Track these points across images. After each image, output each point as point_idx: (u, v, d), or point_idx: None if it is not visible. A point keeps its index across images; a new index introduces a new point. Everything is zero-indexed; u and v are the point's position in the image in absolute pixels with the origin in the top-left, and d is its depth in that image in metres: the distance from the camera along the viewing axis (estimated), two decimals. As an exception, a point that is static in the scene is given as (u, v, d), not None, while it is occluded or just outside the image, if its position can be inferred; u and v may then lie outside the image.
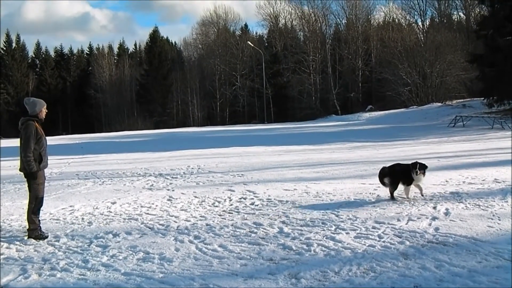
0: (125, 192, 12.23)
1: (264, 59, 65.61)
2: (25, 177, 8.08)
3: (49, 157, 8.40)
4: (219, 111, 74.68)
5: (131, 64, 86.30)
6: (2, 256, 7.10)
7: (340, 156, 18.58)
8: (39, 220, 8.16)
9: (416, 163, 9.98)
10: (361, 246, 6.97)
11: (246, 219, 8.79)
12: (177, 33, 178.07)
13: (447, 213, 8.57)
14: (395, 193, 10.01)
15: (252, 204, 10.16)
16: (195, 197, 11.15)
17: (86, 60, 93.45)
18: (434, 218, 8.26)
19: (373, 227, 7.85)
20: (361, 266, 6.16)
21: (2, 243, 7.73)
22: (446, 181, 11.85)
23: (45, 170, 8.36)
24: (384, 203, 9.61)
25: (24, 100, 8.20)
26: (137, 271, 6.31)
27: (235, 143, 26.50)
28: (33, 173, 7.90)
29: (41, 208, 8.35)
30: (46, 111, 8.28)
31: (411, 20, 69.66)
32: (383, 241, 7.12)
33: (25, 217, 8.21)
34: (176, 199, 11.01)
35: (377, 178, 10.51)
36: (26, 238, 7.96)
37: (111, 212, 9.86)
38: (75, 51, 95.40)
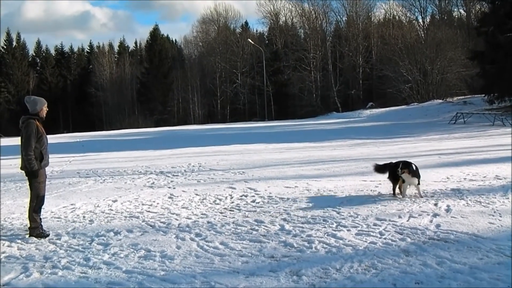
0: (126, 190, 12.23)
1: (265, 56, 65.48)
2: (26, 175, 8.08)
3: (50, 156, 8.41)
4: (220, 109, 74.60)
5: (132, 62, 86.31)
6: (3, 255, 7.10)
7: (341, 153, 18.59)
8: (40, 219, 8.16)
9: (399, 162, 9.97)
10: (362, 243, 6.97)
11: (247, 217, 8.80)
12: (178, 31, 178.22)
13: (448, 210, 8.57)
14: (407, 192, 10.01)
15: (253, 201, 10.16)
16: (196, 194, 11.15)
17: (86, 59, 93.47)
18: (435, 215, 8.26)
19: (374, 224, 7.85)
20: (363, 263, 6.16)
21: (3, 242, 7.74)
22: (447, 178, 11.84)
23: (46, 168, 8.37)
24: (385, 200, 9.61)
25: (24, 99, 8.19)
26: (138, 269, 6.31)
27: (236, 141, 26.49)
28: (34, 171, 7.90)
29: (43, 207, 8.34)
30: (47, 109, 8.27)
31: (412, 17, 69.68)
32: (384, 238, 7.12)
33: (27, 215, 8.21)
34: (177, 197, 11.02)
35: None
36: (27, 236, 7.96)
37: (112, 210, 9.87)
38: (75, 49, 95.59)
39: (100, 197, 11.26)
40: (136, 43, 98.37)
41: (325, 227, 7.83)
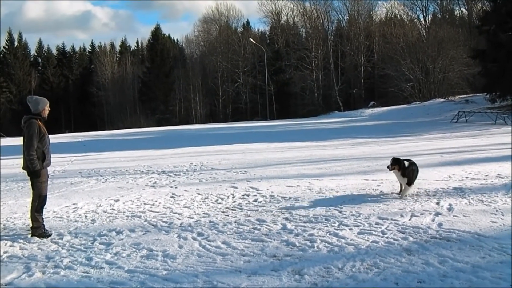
0: (128, 189, 12.24)
1: (266, 55, 65.48)
2: (29, 175, 8.08)
3: (52, 155, 8.41)
4: (222, 108, 74.62)
5: (133, 61, 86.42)
6: (6, 254, 7.11)
7: (342, 152, 18.58)
8: (42, 218, 8.16)
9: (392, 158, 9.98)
10: (364, 242, 6.97)
11: (249, 216, 8.80)
12: (179, 31, 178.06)
13: (450, 209, 8.56)
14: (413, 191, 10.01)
15: (255, 200, 10.16)
16: (198, 194, 11.15)
17: (88, 58, 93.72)
18: (437, 214, 8.26)
19: (376, 223, 7.85)
20: (365, 262, 6.16)
21: (6, 241, 7.75)
22: (449, 176, 11.83)
23: (48, 168, 8.36)
24: (387, 199, 9.61)
25: (27, 98, 8.20)
26: (140, 268, 6.32)
27: (237, 140, 26.50)
28: (36, 171, 7.90)
29: (45, 206, 8.34)
30: (49, 109, 8.27)
31: (413, 16, 69.67)
32: (387, 237, 7.12)
33: (29, 215, 8.22)
34: (179, 196, 11.02)
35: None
36: (29, 236, 7.97)
37: (114, 209, 9.87)
38: (77, 49, 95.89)
39: (102, 197, 11.27)
40: (137, 42, 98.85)
41: (327, 226, 7.83)
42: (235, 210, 9.39)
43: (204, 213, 9.18)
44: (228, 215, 8.95)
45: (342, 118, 48.64)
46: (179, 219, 8.82)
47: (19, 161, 8.29)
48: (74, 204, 10.56)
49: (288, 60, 72.28)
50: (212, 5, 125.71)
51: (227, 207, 9.64)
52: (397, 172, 9.71)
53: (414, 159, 10.34)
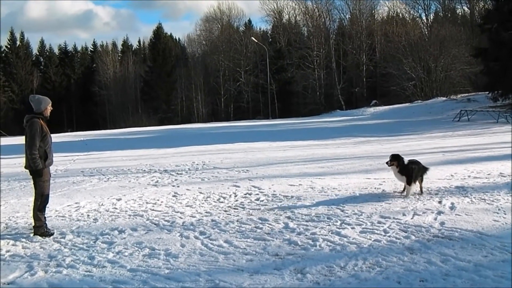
0: (130, 188, 12.25)
1: (268, 54, 65.49)
2: (31, 174, 8.09)
3: (54, 155, 8.42)
4: (224, 107, 74.61)
5: (135, 61, 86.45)
6: (8, 253, 7.12)
7: (345, 151, 18.57)
8: (44, 217, 8.17)
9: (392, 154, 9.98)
10: (366, 241, 6.97)
11: (251, 215, 8.80)
12: (181, 30, 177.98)
13: (452, 208, 8.56)
14: (415, 189, 9.99)
15: (257, 199, 10.16)
16: (200, 193, 11.16)
17: (90, 57, 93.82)
18: (439, 213, 8.25)
19: (379, 222, 7.85)
20: (367, 261, 6.16)
21: (8, 240, 7.76)
22: (451, 175, 11.82)
23: (51, 167, 8.37)
24: (389, 198, 9.60)
25: (29, 98, 8.21)
26: (143, 267, 6.33)
27: (239, 139, 26.50)
28: (38, 170, 7.91)
29: (47, 205, 8.36)
30: (51, 108, 8.28)
31: (415, 14, 69.49)
32: (389, 236, 7.12)
33: (31, 214, 8.23)
34: (181, 195, 11.03)
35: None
36: (32, 235, 7.98)
37: (116, 208, 9.88)
38: (79, 48, 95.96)
39: (104, 196, 11.28)
40: (139, 41, 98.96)
41: (329, 225, 7.83)
42: (237, 209, 9.39)
43: (206, 212, 9.18)
44: (230, 214, 8.95)
45: (344, 117, 48.62)
46: (181, 218, 8.82)
47: (21, 160, 8.30)
48: (76, 203, 10.58)
49: (290, 59, 72.22)
50: (214, 4, 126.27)
51: (229, 206, 9.65)
52: (395, 169, 9.71)
53: (416, 158, 10.35)
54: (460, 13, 69.84)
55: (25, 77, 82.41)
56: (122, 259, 6.67)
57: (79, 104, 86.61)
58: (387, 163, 9.84)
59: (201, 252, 6.84)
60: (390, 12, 73.31)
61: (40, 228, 7.99)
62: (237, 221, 8.38)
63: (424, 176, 10.02)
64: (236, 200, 10.19)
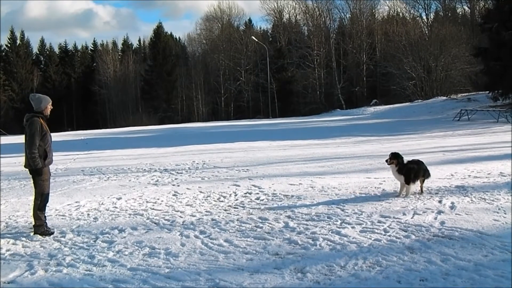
0: (131, 187, 12.25)
1: (269, 54, 65.51)
2: (30, 173, 8.09)
3: (54, 154, 8.42)
4: (224, 106, 74.63)
5: (136, 60, 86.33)
6: (8, 252, 7.13)
7: (345, 151, 18.57)
8: (45, 216, 8.17)
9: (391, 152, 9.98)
10: (366, 240, 6.97)
11: (251, 214, 8.80)
12: (181, 29, 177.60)
13: (452, 207, 8.56)
14: (414, 188, 9.98)
15: (258, 199, 10.17)
16: (201, 192, 11.16)
17: (90, 56, 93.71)
18: (439, 212, 8.25)
19: (379, 221, 7.85)
20: (367, 260, 6.16)
21: (8, 239, 7.76)
22: (452, 175, 11.82)
23: (51, 166, 8.38)
24: (390, 197, 9.60)
25: (29, 96, 8.22)
26: (143, 266, 6.33)
27: (239, 138, 26.51)
28: (38, 169, 7.91)
29: (47, 204, 8.36)
30: (52, 107, 8.28)
31: (416, 13, 69.39)
32: (389, 235, 7.11)
33: (31, 213, 8.23)
34: (182, 194, 11.03)
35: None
36: (32, 234, 7.99)
37: (116, 207, 9.88)
38: (79, 47, 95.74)
39: (104, 195, 11.28)
40: (139, 40, 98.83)
41: (329, 224, 7.83)
42: (237, 208, 9.39)
43: (206, 211, 9.19)
44: (230, 213, 8.95)
45: (344, 116, 48.64)
46: (182, 217, 8.83)
47: (21, 159, 8.29)
48: (76, 202, 10.58)
49: (290, 58, 72.12)
50: (214, 3, 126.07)
51: (229, 205, 9.65)
52: (394, 167, 9.69)
53: (417, 158, 10.36)
54: (460, 13, 69.97)
55: (26, 76, 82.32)
56: (122, 258, 6.67)
57: (79, 103, 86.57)
58: (386, 161, 9.84)
59: (201, 251, 6.84)
60: (391, 11, 73.44)
61: (40, 227, 7.99)
62: (237, 220, 8.39)
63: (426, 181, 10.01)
64: (236, 199, 10.19)
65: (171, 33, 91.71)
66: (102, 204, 10.30)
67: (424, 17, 68.48)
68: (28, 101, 8.15)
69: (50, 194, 8.40)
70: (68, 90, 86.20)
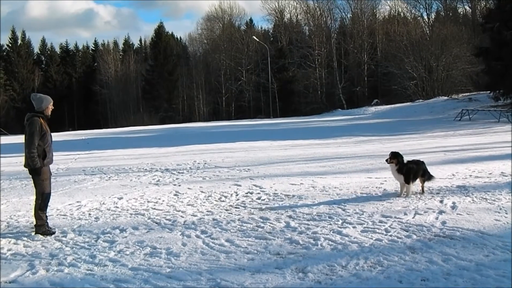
0: (132, 187, 12.25)
1: (270, 53, 65.47)
2: (30, 173, 8.10)
3: (55, 153, 8.43)
4: (225, 106, 74.61)
5: (137, 59, 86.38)
6: (10, 252, 7.13)
7: (346, 151, 18.56)
8: (46, 216, 8.17)
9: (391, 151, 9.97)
10: (368, 240, 6.97)
11: (252, 214, 8.80)
12: (182, 29, 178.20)
13: (454, 207, 8.55)
14: (415, 188, 9.98)
15: (259, 198, 10.17)
16: (202, 192, 11.16)
17: (91, 56, 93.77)
18: (441, 212, 8.25)
19: (380, 221, 7.84)
20: (368, 260, 6.15)
21: (10, 239, 7.77)
22: (453, 174, 11.82)
23: (52, 166, 8.38)
24: (391, 197, 9.59)
25: (31, 96, 8.21)
26: (144, 266, 6.33)
27: (241, 138, 26.52)
28: (37, 169, 7.91)
29: (48, 204, 8.36)
30: (53, 107, 8.29)
31: (417, 13, 69.50)
32: (390, 235, 7.11)
33: (32, 213, 8.24)
34: (183, 194, 11.03)
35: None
36: (33, 234, 7.99)
37: (118, 207, 9.88)
38: (80, 47, 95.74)
39: (105, 195, 11.29)
40: (140, 40, 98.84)
41: (330, 224, 7.83)
42: (238, 208, 9.39)
43: (207, 211, 9.19)
44: (231, 213, 8.95)
45: (346, 116, 48.63)
46: (183, 217, 8.83)
47: (22, 158, 8.29)
48: (77, 202, 10.59)
49: (291, 58, 72.07)
50: (215, 3, 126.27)
51: (230, 205, 9.65)
52: (394, 167, 9.67)
53: (418, 158, 10.35)
54: (461, 12, 69.98)
55: (27, 75, 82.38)
56: (124, 258, 6.67)
57: (80, 102, 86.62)
58: (386, 160, 9.83)
59: (203, 251, 6.83)
60: (392, 11, 73.46)
61: (42, 227, 7.99)
62: (239, 220, 8.39)
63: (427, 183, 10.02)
64: (238, 199, 10.19)
65: (172, 33, 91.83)
66: (104, 203, 10.30)
67: (425, 17, 68.63)
68: (29, 100, 8.15)
69: (51, 194, 8.40)
70: (69, 90, 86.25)
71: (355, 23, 70.39)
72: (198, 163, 16.36)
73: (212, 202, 10.06)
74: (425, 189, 9.93)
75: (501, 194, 9.35)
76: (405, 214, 8.22)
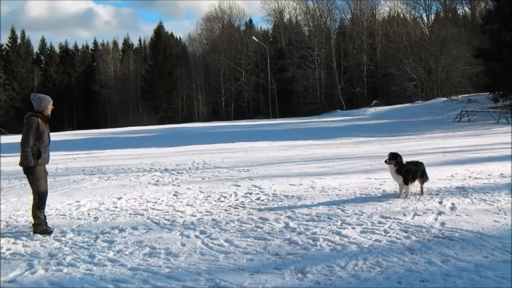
0: (131, 187, 12.25)
1: (269, 54, 65.51)
2: (24, 172, 8.10)
3: (54, 153, 8.46)
4: (224, 106, 74.59)
5: (136, 59, 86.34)
6: (9, 252, 7.13)
7: (345, 151, 18.57)
8: (44, 215, 8.17)
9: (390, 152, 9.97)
10: (367, 240, 6.96)
11: (252, 214, 8.80)
12: (181, 29, 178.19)
13: (453, 208, 8.55)
14: (415, 189, 9.98)
15: (258, 199, 10.17)
16: (201, 192, 11.16)
17: (91, 56, 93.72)
18: (440, 213, 8.25)
19: (379, 222, 7.84)
20: (367, 261, 6.15)
21: (9, 239, 7.77)
22: (452, 175, 11.82)
23: (51, 165, 8.39)
24: (390, 198, 9.59)
25: (30, 96, 8.23)
26: (143, 266, 6.32)
27: (240, 138, 26.52)
28: (30, 167, 7.91)
29: (47, 204, 8.36)
30: (52, 107, 8.29)
31: (416, 14, 69.51)
32: (389, 236, 7.11)
33: (31, 212, 8.23)
34: (182, 194, 11.03)
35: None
36: (32, 233, 7.98)
37: (117, 207, 9.88)
38: (79, 47, 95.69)
39: (104, 195, 11.28)
40: (140, 40, 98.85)
41: (329, 225, 7.83)
42: (237, 208, 9.39)
43: (206, 211, 9.18)
44: (230, 213, 8.95)
45: (345, 116, 48.63)
46: (182, 217, 8.83)
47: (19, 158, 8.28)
48: (76, 201, 10.58)
49: (290, 59, 72.13)
50: (215, 3, 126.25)
51: (229, 205, 9.65)
52: (392, 167, 9.67)
53: (417, 159, 10.35)
54: (461, 14, 69.98)
55: (26, 75, 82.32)
56: (123, 258, 6.67)
57: (79, 102, 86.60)
58: (385, 161, 9.83)
59: (202, 251, 6.83)
60: (391, 12, 73.54)
61: (39, 226, 7.99)
62: (238, 220, 8.38)
63: (425, 184, 10.02)
64: (237, 200, 10.19)
65: (171, 33, 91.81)
66: (103, 203, 10.30)
67: (425, 18, 68.68)
68: (29, 100, 8.16)
69: (50, 194, 8.43)
70: (68, 90, 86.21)
71: (355, 24, 70.45)
72: (197, 164, 16.36)
73: (211, 202, 10.06)
74: (424, 190, 9.93)
75: (500, 196, 9.35)
76: (404, 215, 8.23)
